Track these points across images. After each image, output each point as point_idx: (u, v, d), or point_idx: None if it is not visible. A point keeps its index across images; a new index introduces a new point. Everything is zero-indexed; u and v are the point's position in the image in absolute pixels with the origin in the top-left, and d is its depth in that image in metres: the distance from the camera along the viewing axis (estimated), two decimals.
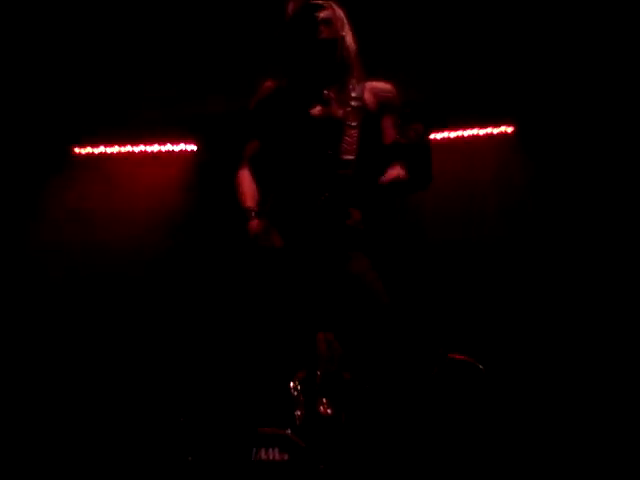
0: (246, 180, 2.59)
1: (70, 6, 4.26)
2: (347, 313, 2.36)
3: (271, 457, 3.14)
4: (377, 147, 2.44)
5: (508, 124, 5.24)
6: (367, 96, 2.51)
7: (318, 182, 2.39)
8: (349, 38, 2.44)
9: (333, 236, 2.36)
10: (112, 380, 4.64)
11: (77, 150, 5.39)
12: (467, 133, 5.34)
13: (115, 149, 5.41)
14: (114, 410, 4.50)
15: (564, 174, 4.91)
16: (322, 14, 2.35)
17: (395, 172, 2.38)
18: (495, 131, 5.29)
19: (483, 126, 5.30)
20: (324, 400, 3.45)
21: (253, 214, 2.51)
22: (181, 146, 5.41)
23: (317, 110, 2.44)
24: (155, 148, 5.41)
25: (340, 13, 2.43)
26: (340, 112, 2.44)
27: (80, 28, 4.47)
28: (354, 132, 2.44)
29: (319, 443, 3.19)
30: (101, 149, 5.40)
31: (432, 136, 5.32)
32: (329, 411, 3.44)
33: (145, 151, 5.41)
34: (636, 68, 4.68)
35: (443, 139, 5.33)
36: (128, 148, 5.40)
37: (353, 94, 2.47)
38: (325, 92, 2.41)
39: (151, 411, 4.31)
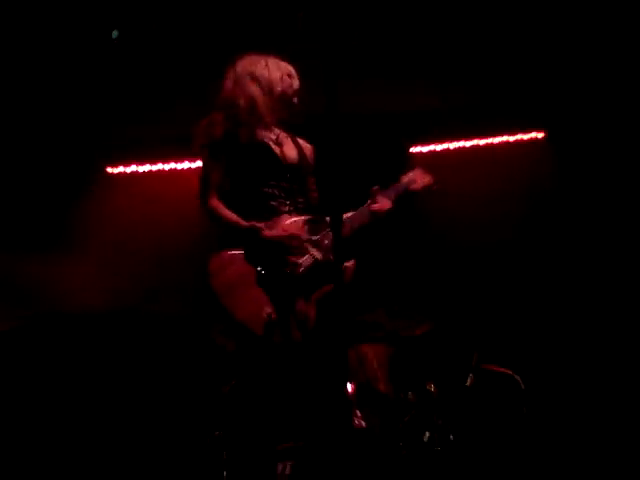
0: (224, 209, 2.58)
1: (99, 28, 4.36)
2: None
3: None
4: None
5: (539, 130, 5.18)
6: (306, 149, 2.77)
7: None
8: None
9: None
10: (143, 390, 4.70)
11: (110, 170, 5.48)
12: (497, 140, 5.30)
13: (147, 167, 5.48)
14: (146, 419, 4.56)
15: (595, 179, 4.84)
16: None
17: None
18: (525, 137, 5.24)
19: (513, 132, 5.25)
20: (358, 412, 3.43)
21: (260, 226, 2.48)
22: None
23: (285, 154, 2.65)
24: (185, 165, 5.46)
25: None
26: (295, 158, 2.67)
27: (110, 48, 4.56)
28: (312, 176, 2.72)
29: (354, 455, 3.17)
30: (133, 168, 5.47)
31: (461, 144, 5.31)
32: (363, 424, 3.42)
33: (175, 169, 5.47)
34: None
35: (473, 147, 5.29)
36: (159, 166, 5.47)
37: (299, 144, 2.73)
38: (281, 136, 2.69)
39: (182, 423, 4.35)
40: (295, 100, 2.67)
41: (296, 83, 2.69)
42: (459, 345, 4.15)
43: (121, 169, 5.47)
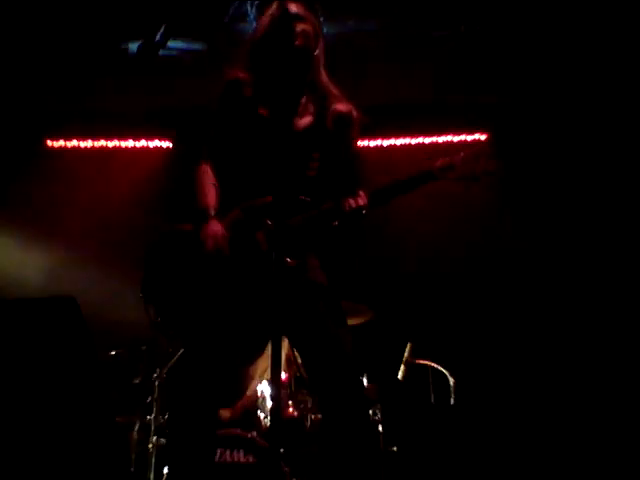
0: (207, 179, 2.39)
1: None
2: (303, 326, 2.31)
3: (236, 459, 3.14)
4: (332, 163, 2.39)
5: (482, 132, 5.29)
6: (329, 112, 2.43)
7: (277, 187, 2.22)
8: (320, 53, 2.38)
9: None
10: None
11: (50, 143, 5.31)
12: (441, 139, 5.39)
13: (89, 143, 5.34)
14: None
15: (537, 181, 4.97)
16: (301, 25, 2.27)
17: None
18: (469, 138, 5.34)
19: (457, 133, 5.35)
20: (290, 403, 3.46)
21: (211, 213, 2.32)
22: (155, 142, 5.37)
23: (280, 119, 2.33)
24: (130, 143, 5.35)
25: (318, 26, 2.39)
26: (302, 124, 2.38)
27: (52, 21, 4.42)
28: (315, 145, 2.40)
29: (284, 446, 3.20)
30: (74, 143, 5.33)
31: (408, 141, 5.39)
32: (295, 414, 3.45)
33: (119, 146, 5.35)
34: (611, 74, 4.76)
35: (418, 144, 5.38)
36: (102, 143, 5.34)
37: (315, 109, 2.42)
38: (290, 102, 2.34)
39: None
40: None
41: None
42: (394, 337, 4.21)
43: (62, 143, 5.33)
